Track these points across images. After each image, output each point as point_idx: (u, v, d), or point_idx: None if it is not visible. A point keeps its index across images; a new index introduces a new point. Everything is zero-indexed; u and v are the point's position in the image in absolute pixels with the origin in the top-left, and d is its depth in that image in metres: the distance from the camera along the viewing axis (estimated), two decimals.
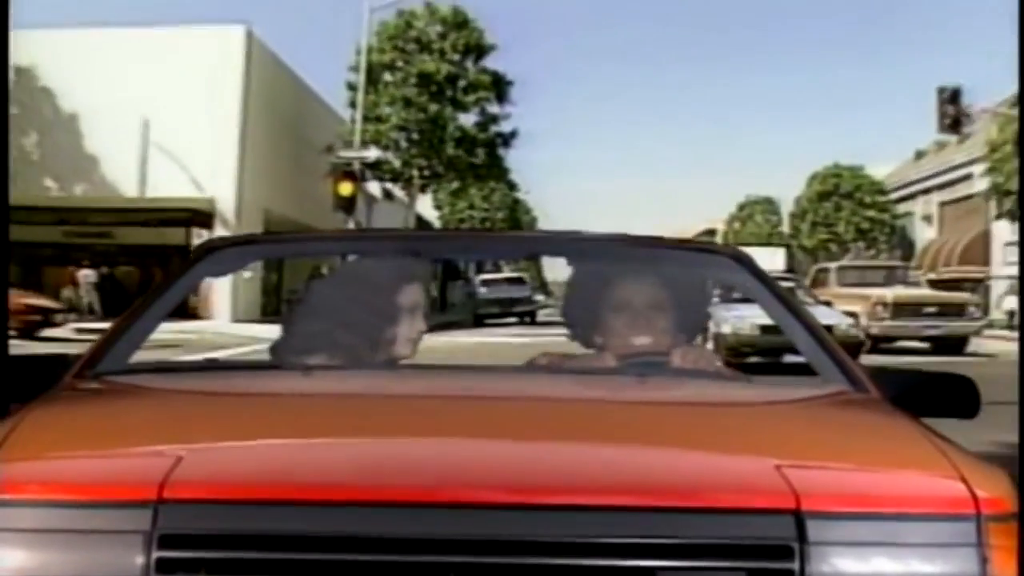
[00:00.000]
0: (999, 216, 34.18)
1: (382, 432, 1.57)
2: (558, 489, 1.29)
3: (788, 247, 36.45)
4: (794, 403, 2.01)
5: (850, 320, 16.24)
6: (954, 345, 19.79)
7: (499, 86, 32.57)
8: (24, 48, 26.48)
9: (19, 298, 20.93)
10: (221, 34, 27.66)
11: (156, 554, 1.20)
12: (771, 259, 22.59)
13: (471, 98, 31.97)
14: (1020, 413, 1.93)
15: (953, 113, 24.79)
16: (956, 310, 20.58)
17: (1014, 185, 30.03)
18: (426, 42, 31.62)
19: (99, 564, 1.21)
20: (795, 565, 1.22)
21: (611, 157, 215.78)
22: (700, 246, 3.20)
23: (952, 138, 34.62)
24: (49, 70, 27.18)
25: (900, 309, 19.83)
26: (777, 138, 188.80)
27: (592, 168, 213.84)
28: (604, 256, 2.68)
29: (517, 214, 61.96)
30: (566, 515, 1.23)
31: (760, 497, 1.27)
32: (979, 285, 34.32)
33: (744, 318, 14.06)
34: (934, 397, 2.10)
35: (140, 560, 1.21)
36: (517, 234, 2.65)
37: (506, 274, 39.24)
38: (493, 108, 32.99)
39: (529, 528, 1.22)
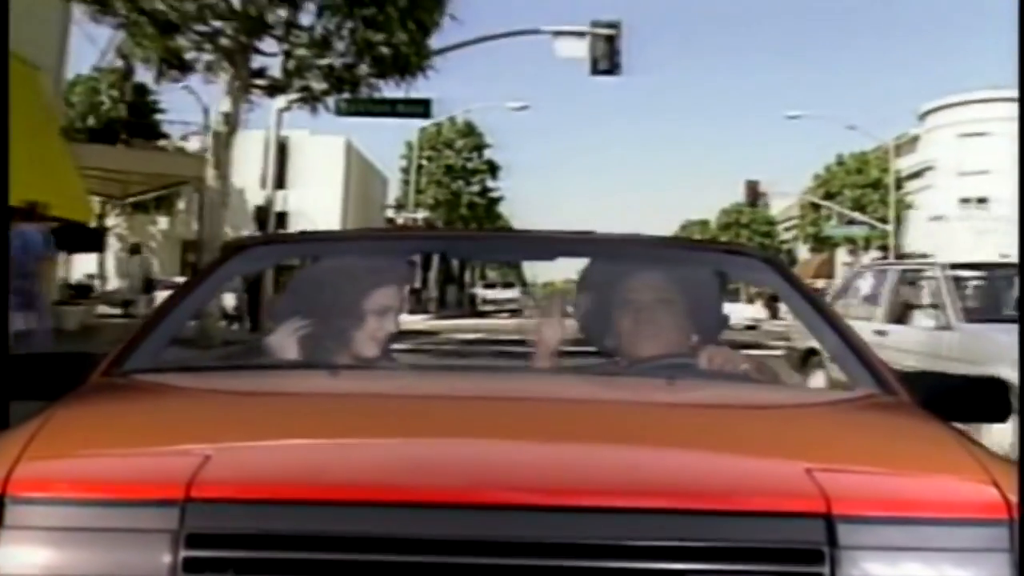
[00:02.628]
0: (812, 249, 45.02)
1: (411, 433, 1.34)
2: (586, 491, 1.08)
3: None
4: (824, 406, 1.74)
5: None
6: None
7: (493, 170, 42.59)
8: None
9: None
10: (332, 141, 35.70)
11: (183, 553, 1.01)
12: None
13: (476, 178, 42.39)
14: (1020, 413, 1.67)
15: (752, 195, 35.83)
16: None
17: (811, 230, 40.21)
18: (449, 143, 41.49)
19: (126, 563, 1.02)
20: (825, 569, 1.02)
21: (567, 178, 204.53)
22: (728, 248, 2.87)
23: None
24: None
25: None
26: (714, 163, 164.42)
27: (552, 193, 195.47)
28: (625, 257, 2.23)
29: None
30: (594, 517, 1.04)
31: (790, 501, 1.08)
32: (822, 292, 39.79)
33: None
34: (965, 401, 1.79)
35: (167, 559, 1.01)
36: (541, 234, 2.42)
37: (501, 280, 45.83)
38: (489, 183, 42.62)
39: (557, 530, 1.03)
